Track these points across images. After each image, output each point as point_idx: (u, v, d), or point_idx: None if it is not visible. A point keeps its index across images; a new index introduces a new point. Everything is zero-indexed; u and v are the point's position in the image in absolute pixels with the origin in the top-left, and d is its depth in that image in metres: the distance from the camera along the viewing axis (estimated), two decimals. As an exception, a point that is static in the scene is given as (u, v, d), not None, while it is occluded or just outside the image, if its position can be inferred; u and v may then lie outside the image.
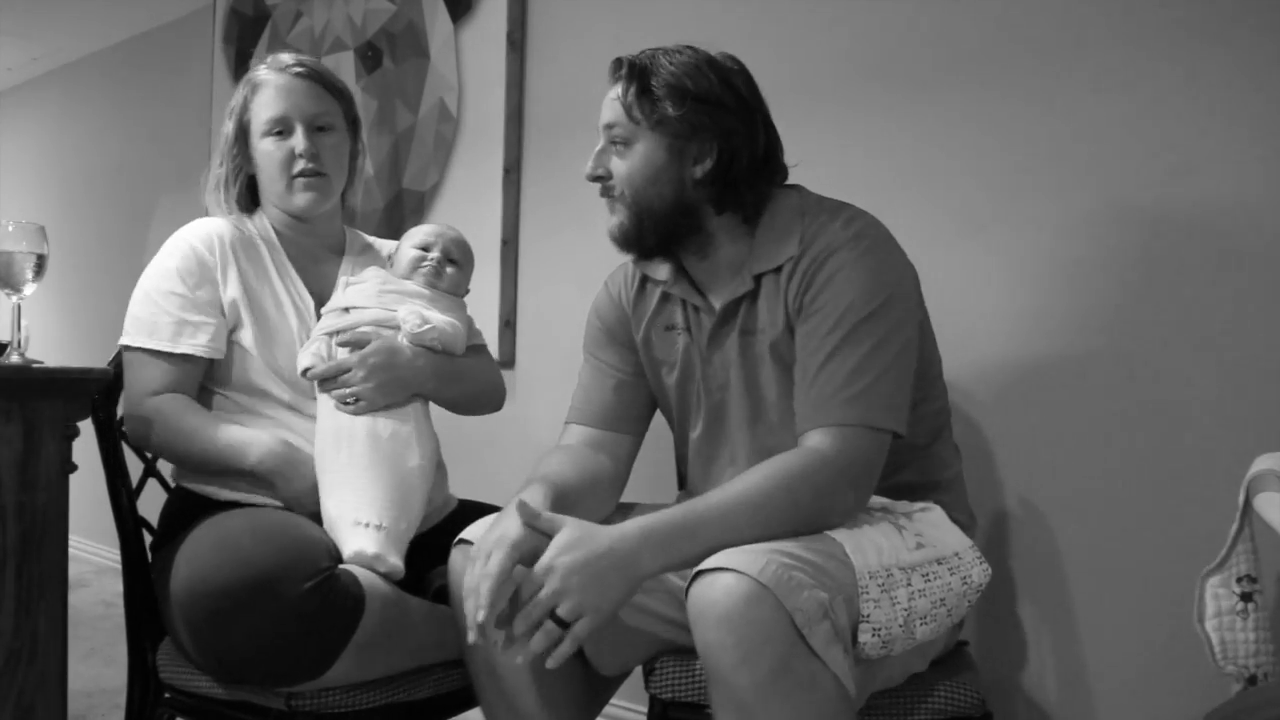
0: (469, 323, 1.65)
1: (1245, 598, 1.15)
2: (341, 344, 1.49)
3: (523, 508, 1.17)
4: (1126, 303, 1.58)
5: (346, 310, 1.53)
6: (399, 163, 2.74)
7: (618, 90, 1.32)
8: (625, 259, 1.51)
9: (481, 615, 1.12)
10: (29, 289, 1.49)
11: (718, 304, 1.36)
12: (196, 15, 3.62)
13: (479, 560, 1.16)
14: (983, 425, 1.71)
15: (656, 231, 1.33)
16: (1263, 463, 1.14)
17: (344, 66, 2.91)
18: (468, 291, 1.67)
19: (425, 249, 1.60)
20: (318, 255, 1.64)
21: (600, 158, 1.35)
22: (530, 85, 2.46)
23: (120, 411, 1.56)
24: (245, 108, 1.57)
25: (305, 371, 1.48)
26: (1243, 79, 1.49)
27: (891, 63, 1.84)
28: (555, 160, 2.40)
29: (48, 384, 1.33)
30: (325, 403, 1.48)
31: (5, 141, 4.92)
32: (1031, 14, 1.68)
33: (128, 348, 1.51)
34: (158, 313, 1.49)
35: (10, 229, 1.46)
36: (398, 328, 1.51)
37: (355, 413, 1.45)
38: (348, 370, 1.45)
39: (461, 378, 1.60)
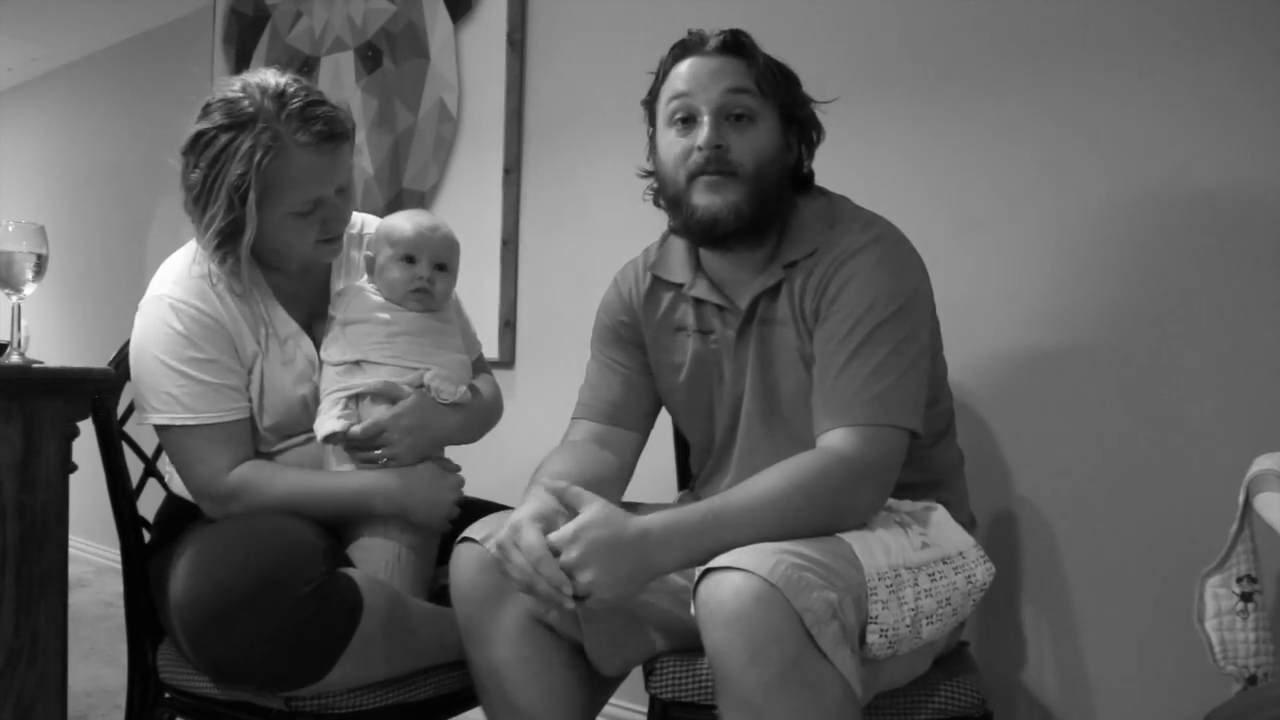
0: (466, 326, 1.64)
1: (1245, 598, 1.15)
2: (374, 398, 1.45)
3: (551, 486, 1.18)
4: (1127, 302, 1.58)
5: (357, 364, 1.46)
6: (399, 163, 2.74)
7: (734, 63, 1.28)
8: (626, 260, 1.52)
9: (569, 602, 1.11)
10: (29, 289, 1.49)
11: (743, 301, 1.34)
12: (196, 15, 3.62)
13: (509, 545, 1.14)
14: (982, 424, 1.71)
15: (763, 216, 1.29)
16: (1263, 463, 1.13)
17: (344, 66, 2.91)
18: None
19: (411, 260, 1.48)
20: (301, 277, 1.54)
21: (722, 129, 1.28)
22: (530, 85, 2.46)
23: (177, 489, 1.49)
24: (266, 165, 1.34)
25: (330, 437, 1.43)
26: (1244, 77, 1.49)
27: (891, 62, 1.85)
28: (555, 160, 2.40)
29: (48, 384, 1.33)
30: (344, 469, 1.45)
31: (5, 141, 4.92)
32: (1032, 14, 1.68)
33: (165, 427, 1.41)
34: (188, 384, 1.40)
35: (10, 229, 1.46)
36: (423, 385, 1.47)
37: None
38: (381, 432, 1.43)
39: (483, 422, 1.61)
